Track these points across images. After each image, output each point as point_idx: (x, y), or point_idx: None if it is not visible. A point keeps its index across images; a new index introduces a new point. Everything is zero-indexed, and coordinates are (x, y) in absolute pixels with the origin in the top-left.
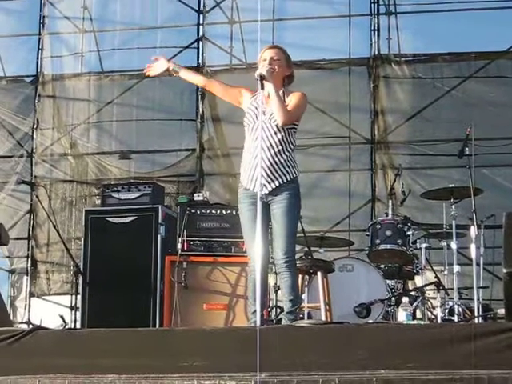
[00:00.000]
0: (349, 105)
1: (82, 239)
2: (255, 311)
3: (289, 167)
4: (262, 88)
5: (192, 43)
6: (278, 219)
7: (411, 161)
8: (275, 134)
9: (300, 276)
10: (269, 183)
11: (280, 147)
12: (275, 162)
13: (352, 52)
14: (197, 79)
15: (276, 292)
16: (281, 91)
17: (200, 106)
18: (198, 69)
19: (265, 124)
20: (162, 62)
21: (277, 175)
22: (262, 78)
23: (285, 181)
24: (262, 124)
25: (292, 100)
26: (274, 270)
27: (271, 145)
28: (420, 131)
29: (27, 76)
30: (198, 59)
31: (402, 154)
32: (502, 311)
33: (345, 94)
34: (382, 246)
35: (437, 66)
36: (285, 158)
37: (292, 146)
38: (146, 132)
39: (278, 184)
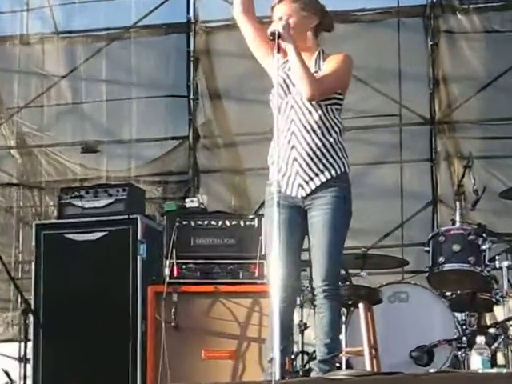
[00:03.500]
0: (398, 71)
1: (33, 264)
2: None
3: (334, 158)
4: (279, 51)
5: None
6: (317, 232)
7: (486, 147)
8: (310, 113)
9: None
10: (306, 182)
11: (319, 131)
12: (314, 153)
13: None
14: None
15: (302, 332)
16: (316, 52)
17: (193, 76)
18: (188, 26)
19: (295, 101)
20: None
21: (317, 170)
22: (278, 36)
23: (329, 177)
24: (290, 101)
25: (329, 64)
26: (298, 302)
27: (306, 129)
28: (497, 106)
29: None
30: (188, 12)
31: (474, 137)
32: None
33: (393, 57)
34: (447, 266)
35: None
36: (328, 145)
37: (337, 129)
38: (119, 114)
39: (319, 183)
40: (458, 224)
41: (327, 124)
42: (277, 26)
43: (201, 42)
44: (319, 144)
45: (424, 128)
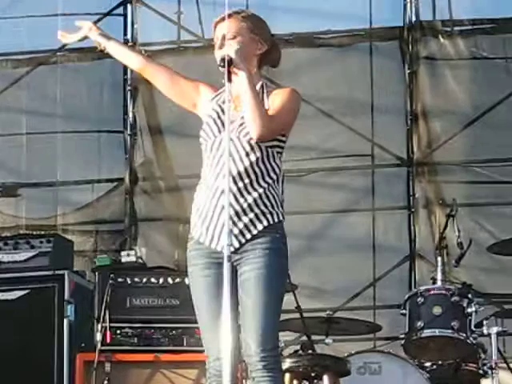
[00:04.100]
0: (371, 104)
1: None
2: None
3: (267, 207)
4: (230, 80)
5: (115, 7)
6: (250, 291)
7: (472, 192)
8: (247, 155)
9: (295, 382)
10: (235, 236)
11: (253, 176)
12: (245, 200)
13: (374, 19)
14: (132, 59)
15: None
16: (258, 85)
17: (130, 109)
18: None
19: (231, 140)
20: (84, 29)
21: (248, 220)
22: (230, 63)
23: (260, 228)
24: (228, 139)
25: (276, 100)
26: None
27: (239, 173)
28: (485, 145)
29: None
30: (125, 33)
31: (458, 181)
32: None
33: (364, 87)
34: (427, 332)
35: None
36: (261, 191)
37: (274, 174)
38: (44, 153)
39: (249, 236)
40: (439, 283)
41: (263, 168)
42: (228, 51)
43: None
44: (250, 190)
45: (400, 170)
